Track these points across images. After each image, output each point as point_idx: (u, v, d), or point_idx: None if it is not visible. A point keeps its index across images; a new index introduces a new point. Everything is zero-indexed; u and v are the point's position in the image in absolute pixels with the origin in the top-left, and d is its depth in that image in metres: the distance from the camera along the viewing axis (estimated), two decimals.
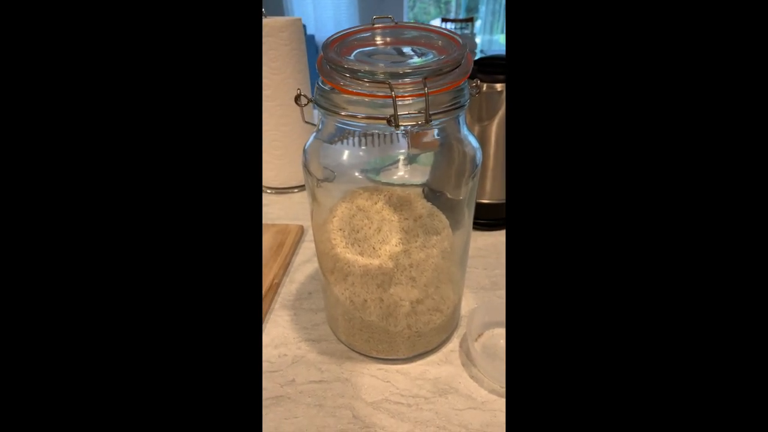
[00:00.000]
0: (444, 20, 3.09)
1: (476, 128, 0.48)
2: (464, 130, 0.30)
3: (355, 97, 0.25)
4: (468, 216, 0.34)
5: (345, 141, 0.29)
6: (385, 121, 0.23)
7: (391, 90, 0.22)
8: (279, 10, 3.19)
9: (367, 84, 0.24)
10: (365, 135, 0.27)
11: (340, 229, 0.32)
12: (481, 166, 0.48)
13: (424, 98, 0.23)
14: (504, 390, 0.32)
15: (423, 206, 0.33)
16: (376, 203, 0.32)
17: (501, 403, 0.31)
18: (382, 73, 0.23)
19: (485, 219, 0.51)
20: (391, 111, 0.23)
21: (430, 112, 0.23)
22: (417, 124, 0.24)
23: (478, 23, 3.58)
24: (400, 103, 0.24)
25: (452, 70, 0.24)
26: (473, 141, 0.31)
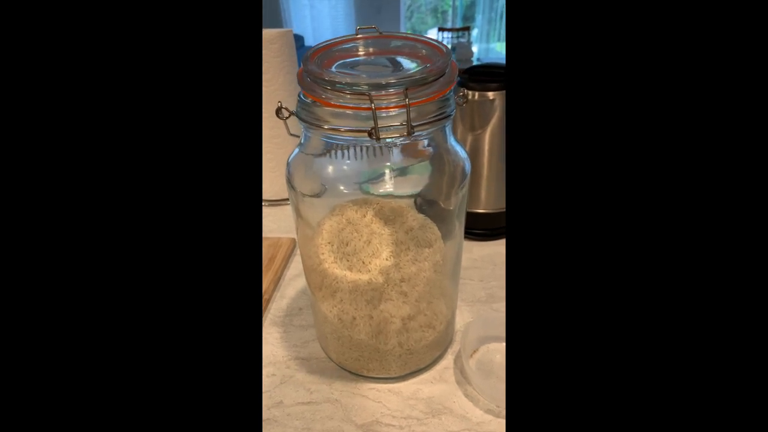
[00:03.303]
0: (441, 29, 3.12)
1: (469, 137, 0.48)
2: (451, 141, 0.29)
3: (337, 110, 0.24)
4: (459, 227, 0.33)
5: (332, 154, 0.28)
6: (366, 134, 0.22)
7: (371, 102, 0.21)
8: (277, 22, 3.23)
9: (349, 96, 0.23)
10: (352, 148, 0.26)
11: (329, 243, 0.31)
12: (471, 175, 0.48)
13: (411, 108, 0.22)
14: (500, 410, 0.30)
15: (414, 218, 0.32)
16: (365, 216, 0.31)
17: (497, 424, 0.29)
18: (362, 85, 0.22)
19: (480, 229, 0.50)
20: (388, 122, 0.22)
21: (413, 124, 0.22)
22: (399, 137, 0.23)
23: (474, 32, 3.61)
24: (384, 114, 0.23)
25: (436, 79, 0.23)
26: (461, 151, 0.30)
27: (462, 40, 3.00)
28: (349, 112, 0.23)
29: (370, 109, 0.21)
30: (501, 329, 0.36)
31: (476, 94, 0.46)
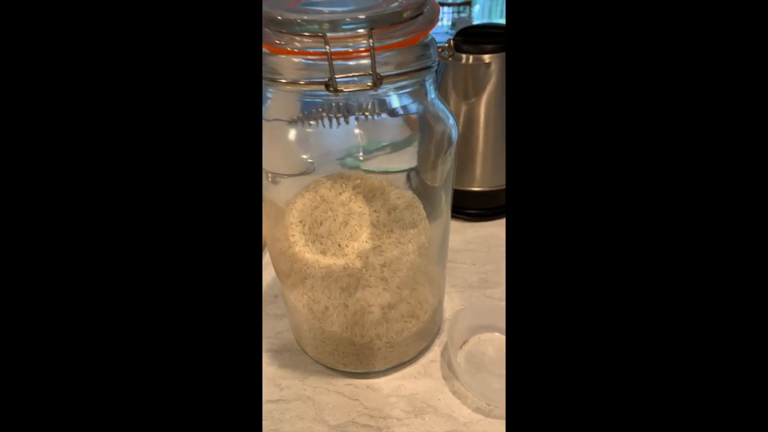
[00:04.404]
0: (441, 4, 3.00)
1: (462, 107, 0.43)
2: (435, 102, 0.25)
3: (294, 59, 0.20)
4: (446, 205, 0.29)
5: (302, 121, 0.23)
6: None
7: (326, 44, 0.17)
8: None
9: (307, 40, 0.19)
10: (323, 111, 0.22)
11: (300, 222, 0.27)
12: (464, 150, 0.43)
13: (380, 55, 0.18)
14: (490, 408, 0.27)
15: (398, 196, 0.28)
16: (341, 193, 0.27)
17: (486, 425, 0.26)
18: (315, 24, 0.18)
19: (475, 208, 0.46)
20: (354, 72, 0.17)
21: (382, 74, 0.18)
22: (364, 90, 0.19)
23: (476, 8, 3.47)
24: (353, 63, 0.19)
25: (411, 18, 0.19)
26: (446, 114, 0.25)
27: (463, 15, 2.89)
28: (304, 60, 0.19)
29: (324, 54, 0.17)
30: (494, 318, 0.32)
31: (470, 57, 0.41)
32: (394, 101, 0.22)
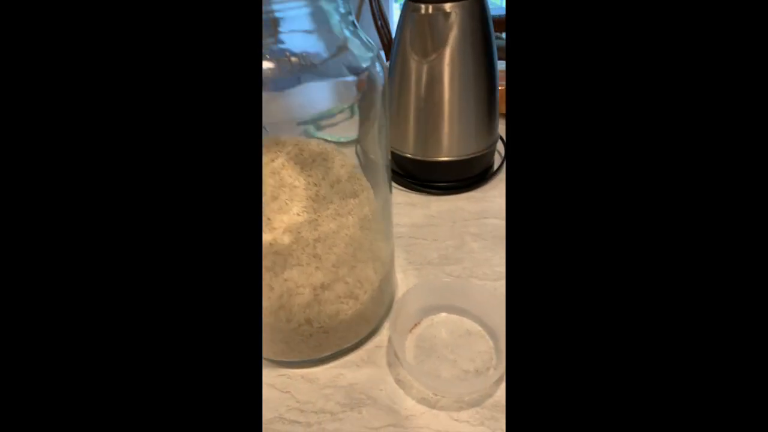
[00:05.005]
0: None
1: (424, 66, 0.38)
2: (346, 31, 0.20)
3: None
4: (384, 171, 0.25)
5: None
6: None
7: None
8: None
9: None
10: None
11: None
12: (428, 116, 0.39)
13: None
14: (437, 399, 0.24)
15: (342, 164, 0.24)
16: (273, 160, 0.23)
17: (430, 418, 0.23)
18: None
19: (441, 181, 0.42)
20: None
21: None
22: None
23: None
24: None
25: None
26: (364, 49, 0.21)
27: None
28: None
29: None
30: (449, 297, 0.29)
31: (429, 7, 0.36)
32: (282, 25, 0.18)
